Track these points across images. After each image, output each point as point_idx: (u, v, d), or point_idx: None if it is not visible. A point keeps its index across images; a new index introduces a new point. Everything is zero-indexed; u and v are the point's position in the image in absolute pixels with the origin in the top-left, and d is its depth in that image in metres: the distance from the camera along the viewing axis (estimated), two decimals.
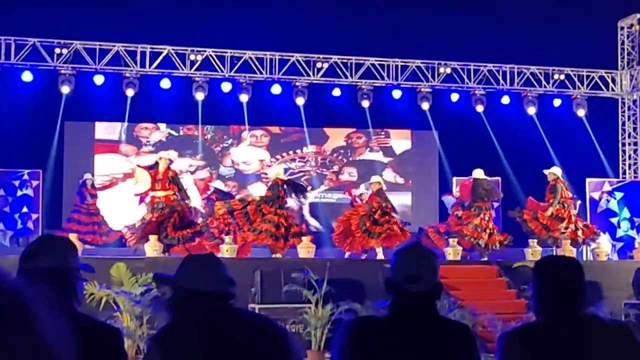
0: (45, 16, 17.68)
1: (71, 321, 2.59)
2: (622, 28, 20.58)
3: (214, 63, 18.54)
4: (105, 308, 10.53)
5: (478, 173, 15.68)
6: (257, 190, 19.61)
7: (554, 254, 14.78)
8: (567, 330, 2.83)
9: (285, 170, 21.97)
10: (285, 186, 14.56)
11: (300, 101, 19.17)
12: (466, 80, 19.71)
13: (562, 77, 20.15)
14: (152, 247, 12.77)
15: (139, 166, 15.21)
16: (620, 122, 20.79)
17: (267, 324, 2.86)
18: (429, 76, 19.51)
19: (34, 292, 2.60)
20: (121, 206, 18.36)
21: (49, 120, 19.52)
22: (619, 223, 17.76)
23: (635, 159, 20.48)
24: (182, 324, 2.80)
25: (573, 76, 20.26)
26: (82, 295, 2.79)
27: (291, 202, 15.17)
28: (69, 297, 2.69)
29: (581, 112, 20.19)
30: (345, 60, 19.19)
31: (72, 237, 13.21)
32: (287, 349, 2.81)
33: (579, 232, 15.45)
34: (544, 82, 20.09)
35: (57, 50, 17.68)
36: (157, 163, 13.85)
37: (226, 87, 18.90)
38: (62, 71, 17.73)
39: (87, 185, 17.83)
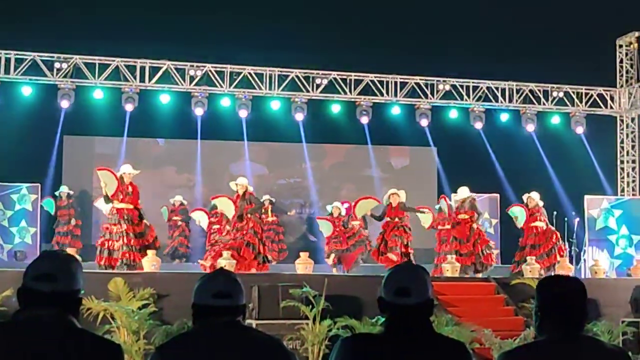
0: (45, 31, 17.73)
1: (74, 338, 2.60)
2: (620, 46, 20.65)
3: (214, 78, 18.57)
4: (102, 322, 10.49)
5: (463, 191, 15.72)
6: None
7: (553, 273, 14.78)
8: (567, 350, 2.82)
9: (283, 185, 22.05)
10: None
11: (299, 117, 19.18)
12: (465, 97, 19.73)
13: (561, 94, 20.19)
14: (149, 262, 12.72)
15: (100, 169, 13.78)
16: (618, 140, 20.81)
17: (273, 342, 2.86)
18: (428, 93, 19.54)
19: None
20: None
21: (48, 135, 19.55)
22: (617, 240, 17.73)
23: (634, 177, 20.49)
24: (188, 337, 2.83)
25: (572, 93, 20.30)
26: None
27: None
28: (74, 315, 2.69)
29: (580, 130, 20.22)
30: (345, 77, 19.22)
31: (72, 251, 13.18)
32: None
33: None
34: (542, 100, 20.12)
35: (57, 65, 17.70)
36: (122, 177, 13.38)
37: (225, 102, 18.92)
38: (62, 85, 17.74)
39: (61, 197, 18.05)
